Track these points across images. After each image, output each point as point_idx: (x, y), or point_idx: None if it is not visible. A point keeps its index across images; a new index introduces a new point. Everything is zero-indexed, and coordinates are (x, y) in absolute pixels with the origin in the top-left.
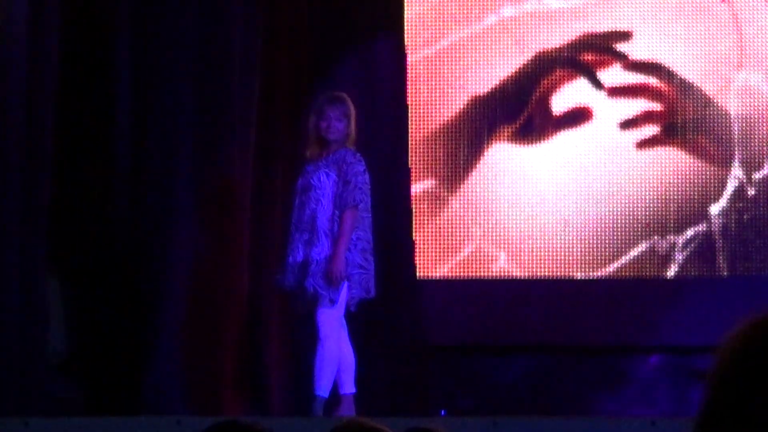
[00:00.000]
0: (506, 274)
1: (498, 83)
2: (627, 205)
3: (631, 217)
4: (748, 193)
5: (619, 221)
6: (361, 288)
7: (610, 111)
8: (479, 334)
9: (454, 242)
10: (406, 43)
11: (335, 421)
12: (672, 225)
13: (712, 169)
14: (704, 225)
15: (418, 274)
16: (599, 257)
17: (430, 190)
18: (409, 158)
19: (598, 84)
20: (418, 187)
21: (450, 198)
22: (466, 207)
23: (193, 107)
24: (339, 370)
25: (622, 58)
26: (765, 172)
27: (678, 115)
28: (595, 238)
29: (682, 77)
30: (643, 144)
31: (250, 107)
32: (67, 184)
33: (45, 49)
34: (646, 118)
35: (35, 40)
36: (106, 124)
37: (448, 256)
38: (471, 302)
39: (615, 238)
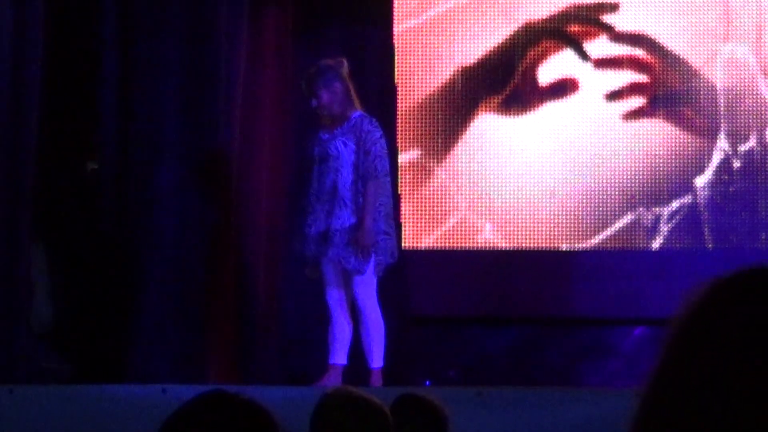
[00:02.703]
0: (491, 244)
1: (484, 54)
2: (613, 177)
3: (616, 189)
4: (734, 165)
5: (604, 193)
6: (387, 253)
7: (596, 82)
8: (464, 305)
9: (439, 213)
10: (393, 13)
11: (322, 390)
12: (657, 197)
13: (697, 141)
14: (690, 197)
15: (403, 244)
16: (585, 228)
17: (416, 161)
18: (396, 128)
19: (584, 55)
20: (404, 158)
21: (436, 168)
22: (451, 177)
23: (179, 70)
24: (334, 339)
25: (608, 29)
26: (750, 145)
27: (664, 86)
28: (580, 209)
29: (669, 49)
30: (630, 116)
31: (236, 73)
32: (52, 154)
33: (30, 12)
34: (632, 89)
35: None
36: (91, 92)
37: (433, 226)
38: (456, 273)
39: (600, 209)
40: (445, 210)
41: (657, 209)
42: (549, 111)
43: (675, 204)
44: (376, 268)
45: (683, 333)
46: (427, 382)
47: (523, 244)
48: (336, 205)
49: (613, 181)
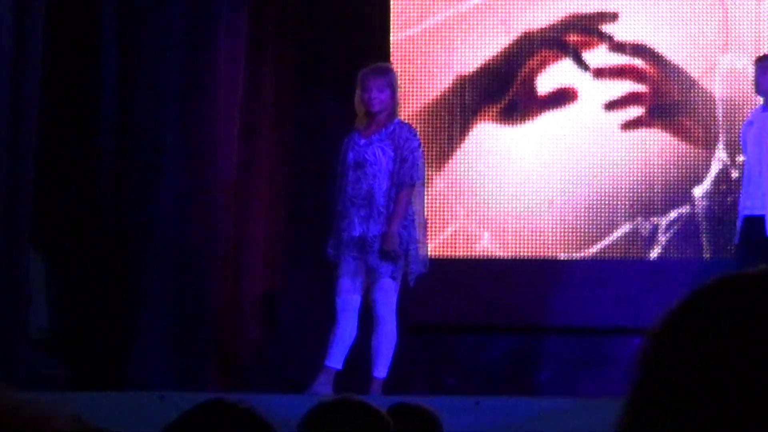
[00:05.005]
0: (489, 253)
1: (483, 63)
2: (611, 187)
3: (615, 199)
4: (732, 175)
5: (603, 202)
6: (420, 262)
7: (595, 92)
8: (462, 314)
9: (437, 221)
10: (390, 23)
11: (317, 397)
12: (656, 206)
13: (696, 151)
14: (688, 207)
15: None
16: (583, 238)
17: None
18: None
19: (583, 65)
20: None
21: (434, 177)
22: (450, 186)
23: (179, 70)
24: (336, 342)
25: (607, 39)
26: None
27: (663, 96)
28: (578, 218)
29: (668, 59)
30: (628, 125)
31: (236, 74)
32: (51, 160)
33: (31, 11)
34: (631, 99)
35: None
36: (91, 92)
37: (431, 235)
38: (454, 281)
39: (599, 219)
40: (443, 219)
41: (655, 219)
42: (547, 120)
43: (673, 214)
44: (408, 277)
45: (654, 347)
46: None
47: (521, 253)
48: (373, 212)
49: (611, 190)
